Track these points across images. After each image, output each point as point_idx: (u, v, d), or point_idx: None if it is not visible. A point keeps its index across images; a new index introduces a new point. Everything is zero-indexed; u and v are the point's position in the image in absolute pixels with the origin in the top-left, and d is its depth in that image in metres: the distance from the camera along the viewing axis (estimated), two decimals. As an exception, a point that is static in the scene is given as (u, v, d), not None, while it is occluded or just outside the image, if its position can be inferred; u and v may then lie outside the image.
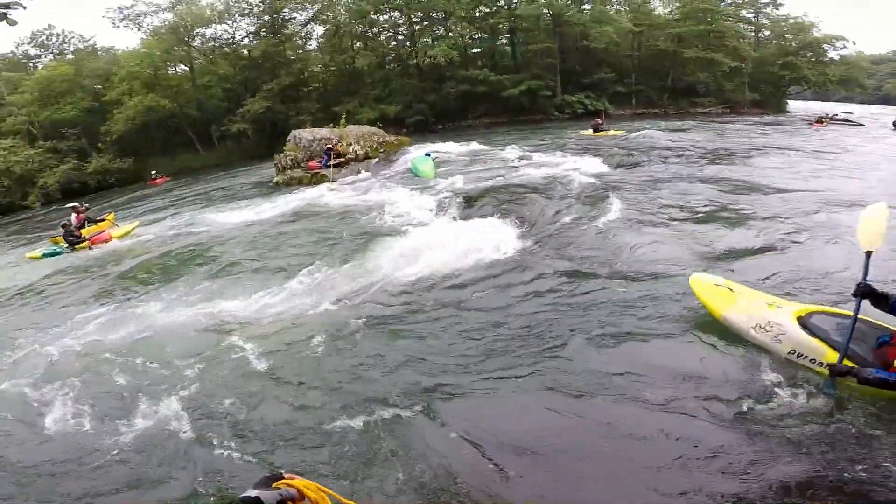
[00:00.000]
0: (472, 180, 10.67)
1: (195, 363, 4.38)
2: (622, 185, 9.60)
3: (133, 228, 10.90)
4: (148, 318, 5.50)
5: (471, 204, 8.63)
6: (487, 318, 4.72)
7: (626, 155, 12.54)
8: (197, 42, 32.48)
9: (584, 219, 7.45)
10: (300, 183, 12.50)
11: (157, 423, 3.67)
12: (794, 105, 37.43)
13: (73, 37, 34.72)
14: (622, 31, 30.94)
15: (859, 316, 3.30)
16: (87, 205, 12.11)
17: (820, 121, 25.84)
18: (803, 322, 3.77)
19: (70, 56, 33.35)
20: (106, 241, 10.14)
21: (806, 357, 3.63)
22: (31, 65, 34.31)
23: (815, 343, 3.58)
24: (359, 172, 12.95)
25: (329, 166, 13.07)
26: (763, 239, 6.22)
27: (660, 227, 6.99)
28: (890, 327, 3.44)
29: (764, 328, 3.87)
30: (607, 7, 32.93)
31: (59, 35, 34.40)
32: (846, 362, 3.23)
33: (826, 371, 3.39)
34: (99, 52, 34.25)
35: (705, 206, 7.98)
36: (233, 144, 31.57)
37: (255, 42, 32.43)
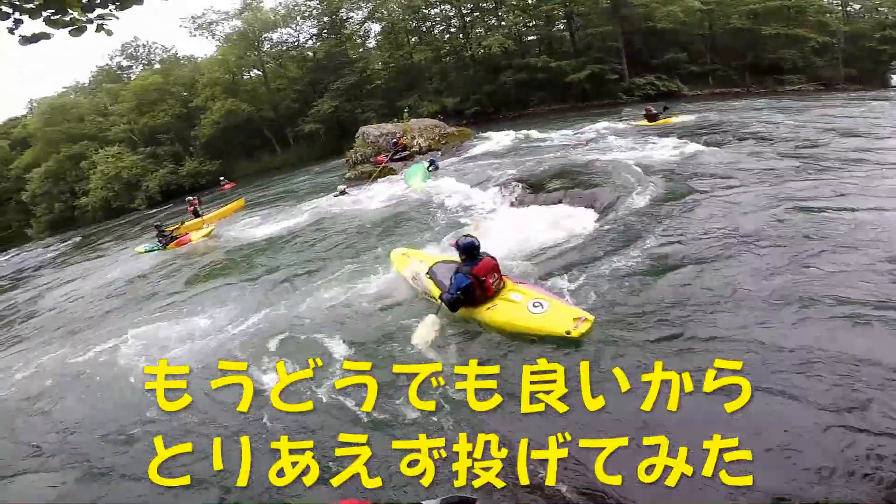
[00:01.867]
0: (524, 170, 10.50)
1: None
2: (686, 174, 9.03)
3: (211, 231, 11.80)
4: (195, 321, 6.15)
5: (535, 191, 8.79)
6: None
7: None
8: (266, 46, 34.21)
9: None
10: (370, 177, 13.19)
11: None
12: (899, 80, 33.14)
13: (157, 47, 37.30)
14: (691, 9, 29.06)
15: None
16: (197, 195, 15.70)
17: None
18: (430, 270, 5.18)
19: (157, 66, 36.12)
20: (187, 242, 11.55)
21: (427, 294, 5.11)
22: (124, 75, 37.18)
23: (430, 283, 5.04)
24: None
25: (395, 160, 13.69)
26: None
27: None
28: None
29: (415, 278, 5.37)
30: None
31: (144, 46, 36.91)
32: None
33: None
34: (181, 61, 36.76)
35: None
36: (307, 143, 32.96)
37: (318, 43, 33.80)
